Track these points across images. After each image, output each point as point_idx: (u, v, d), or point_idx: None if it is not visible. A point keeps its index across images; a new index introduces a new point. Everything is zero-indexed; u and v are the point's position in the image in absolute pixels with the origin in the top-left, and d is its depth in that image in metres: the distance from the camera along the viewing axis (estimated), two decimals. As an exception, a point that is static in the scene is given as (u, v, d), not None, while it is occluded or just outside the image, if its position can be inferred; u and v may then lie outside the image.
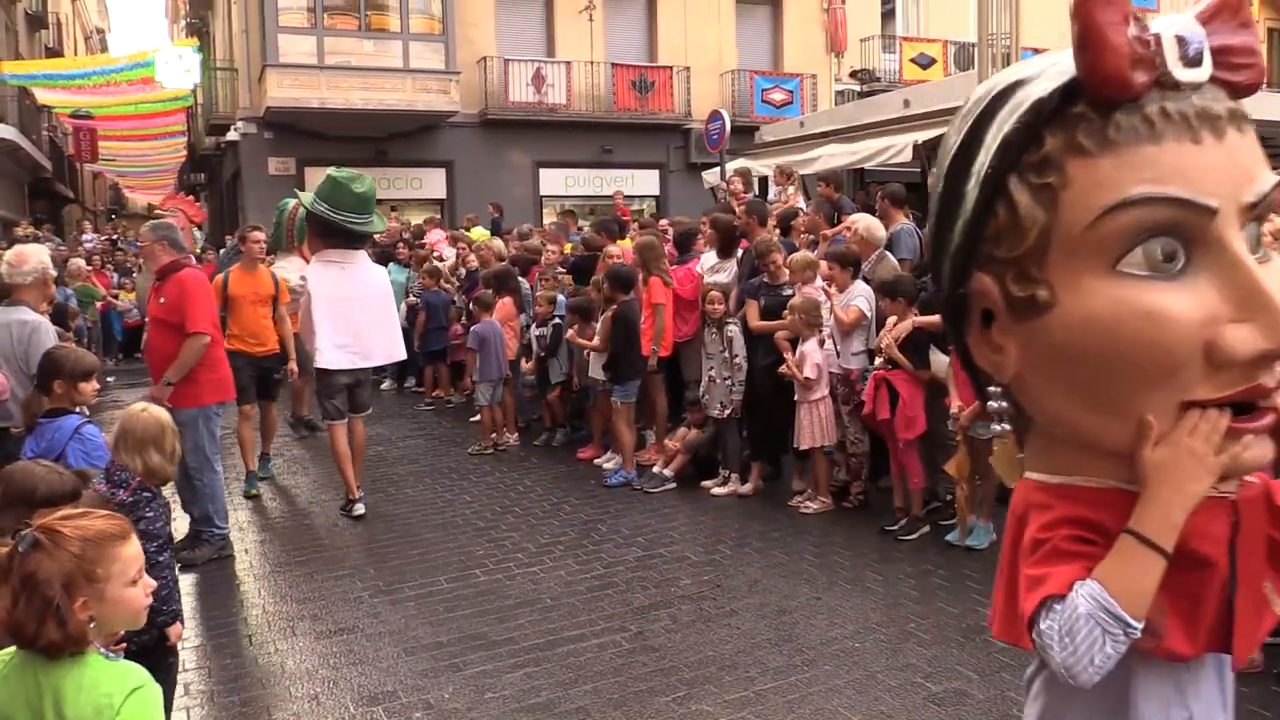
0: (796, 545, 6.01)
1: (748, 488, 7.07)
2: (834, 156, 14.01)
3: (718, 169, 17.13)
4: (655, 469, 7.43)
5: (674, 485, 7.32)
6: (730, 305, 7.28)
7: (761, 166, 14.27)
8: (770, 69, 23.82)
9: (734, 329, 7.03)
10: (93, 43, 40.66)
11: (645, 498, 7.14)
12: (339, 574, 5.81)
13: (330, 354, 6.73)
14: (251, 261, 7.71)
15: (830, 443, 6.58)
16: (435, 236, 13.54)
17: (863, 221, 6.85)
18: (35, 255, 4.95)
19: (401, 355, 7.55)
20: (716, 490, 7.12)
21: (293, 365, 8.03)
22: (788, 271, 6.82)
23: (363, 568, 5.90)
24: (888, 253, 6.90)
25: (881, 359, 5.96)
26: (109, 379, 13.66)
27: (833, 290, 6.48)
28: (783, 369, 6.60)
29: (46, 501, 2.73)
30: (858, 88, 24.55)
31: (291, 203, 9.16)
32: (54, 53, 26.75)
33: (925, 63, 25.06)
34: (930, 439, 6.19)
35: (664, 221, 10.97)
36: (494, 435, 8.80)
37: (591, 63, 21.40)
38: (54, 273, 5.02)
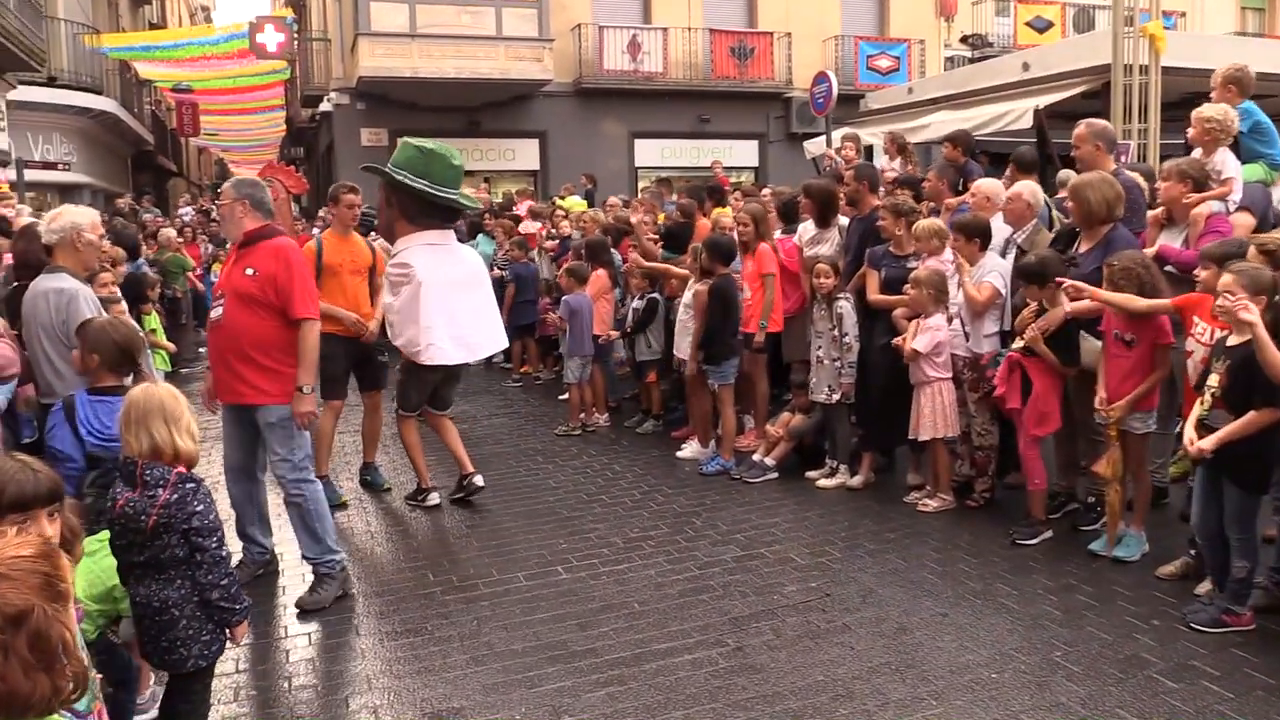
0: (915, 549, 5.34)
1: (857, 480, 6.40)
2: (946, 124, 13.15)
3: (821, 138, 16.32)
4: (755, 457, 6.81)
5: (775, 475, 6.69)
6: (836, 279, 6.59)
7: (868, 135, 13.46)
8: (876, 34, 22.79)
9: (845, 305, 6.35)
10: (197, 19, 41.36)
11: (744, 489, 6.54)
12: (410, 566, 5.36)
13: (446, 347, 5.96)
14: (344, 226, 6.51)
15: (953, 433, 5.87)
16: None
17: (1027, 187, 6.06)
18: (67, 215, 4.55)
19: (505, 343, 6.87)
20: (823, 482, 6.47)
21: (372, 327, 6.59)
22: (912, 240, 6.11)
23: (436, 559, 5.44)
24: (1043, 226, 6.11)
25: (1020, 344, 5.20)
26: (200, 349, 13.60)
27: (963, 264, 5.75)
28: (896, 340, 5.91)
29: (16, 505, 2.26)
30: (968, 54, 23.35)
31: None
32: (156, 28, 27.12)
33: (1042, 26, 23.67)
34: (1073, 433, 5.45)
35: (766, 191, 10.26)
36: (583, 415, 8.28)
37: (689, 29, 20.70)
38: (91, 237, 4.59)
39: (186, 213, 19.01)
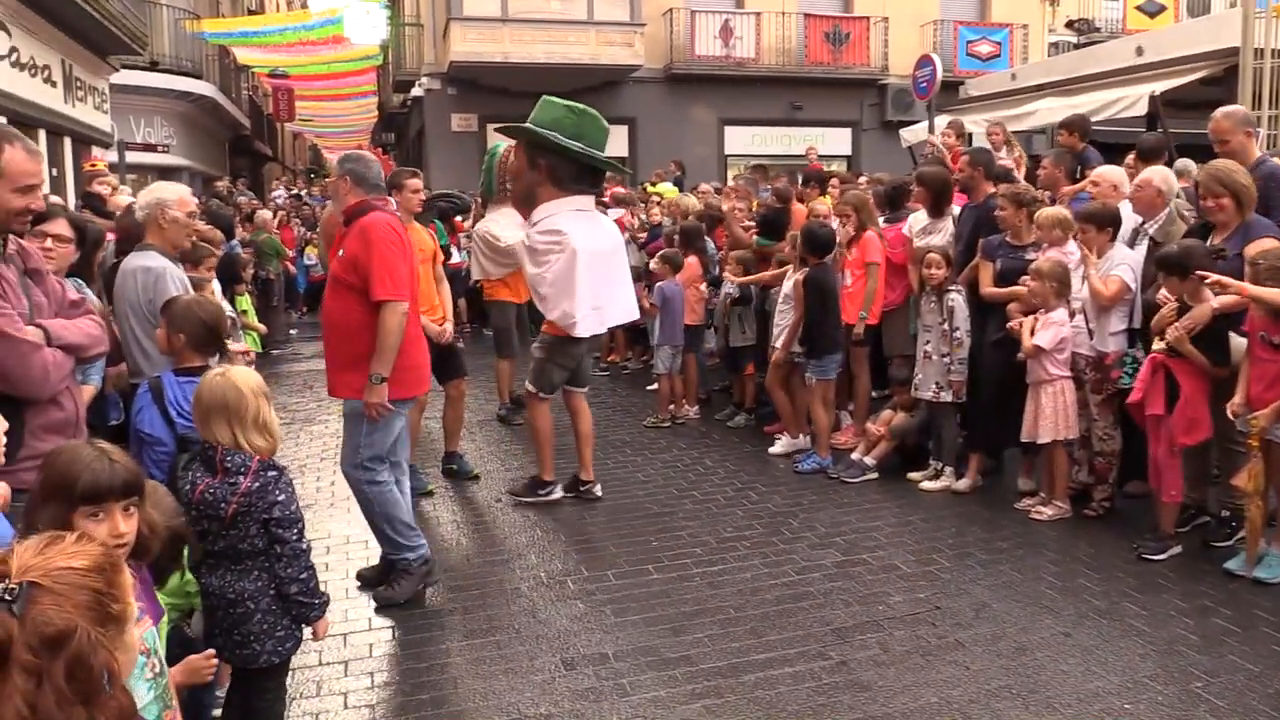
0: (1031, 561, 4.98)
1: (964, 484, 6.05)
2: (1052, 111, 12.64)
3: (919, 125, 15.80)
4: (854, 455, 6.50)
5: (875, 476, 6.37)
6: (948, 270, 6.22)
7: (969, 124, 12.95)
8: (977, 19, 22.05)
9: (956, 298, 5.99)
10: (294, 6, 42.06)
11: (842, 489, 6.23)
12: (496, 560, 5.19)
13: (589, 318, 5.74)
14: (408, 214, 6.07)
15: (1073, 436, 5.48)
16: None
17: (1158, 172, 5.63)
18: (154, 191, 4.47)
19: (637, 313, 6.56)
20: (926, 484, 6.14)
21: (448, 330, 6.45)
22: (1032, 229, 5.73)
23: (523, 553, 5.26)
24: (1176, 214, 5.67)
25: (1162, 345, 4.79)
26: (291, 331, 13.74)
27: (1089, 256, 5.35)
28: (1012, 324, 5.54)
29: (89, 496, 2.10)
30: (1074, 39, 22.41)
31: (504, 146, 7.39)
32: (254, 15, 27.59)
33: (1154, 10, 22.57)
34: (1205, 441, 5.03)
35: (863, 179, 9.89)
36: (672, 407, 8.05)
37: (782, 13, 20.27)
38: (176, 214, 4.47)
39: (279, 196, 19.28)
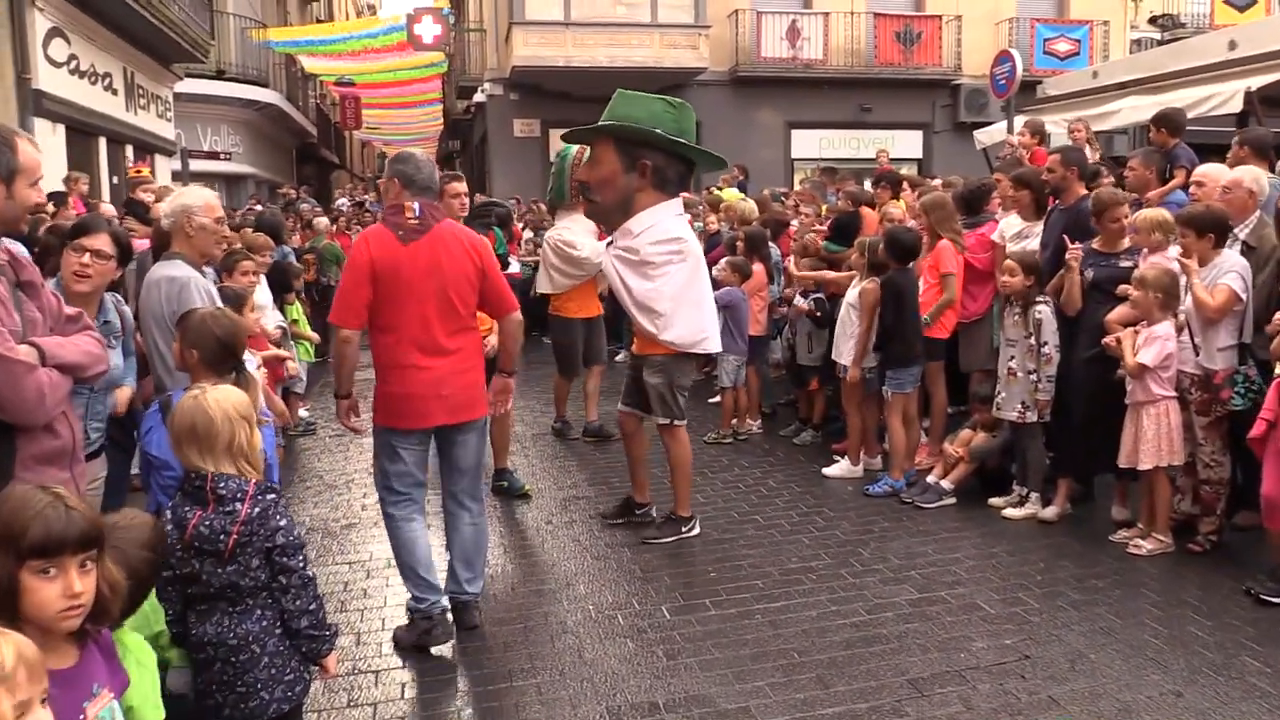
0: (1131, 603, 4.48)
1: (1051, 512, 5.55)
2: (1137, 110, 11.98)
3: (994, 127, 15.17)
4: (930, 479, 6.03)
5: (953, 501, 5.90)
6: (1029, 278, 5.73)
7: (1048, 123, 12.33)
8: (1054, 16, 21.27)
9: (1044, 310, 5.50)
10: (363, 16, 42.52)
11: (917, 515, 5.78)
12: (542, 589, 4.84)
13: (715, 333, 5.39)
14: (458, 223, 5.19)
15: (1177, 462, 4.97)
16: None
17: (1249, 173, 5.12)
18: (179, 198, 4.19)
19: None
20: (1010, 512, 5.65)
21: (490, 342, 5.38)
22: (1128, 234, 5.23)
23: (571, 582, 4.91)
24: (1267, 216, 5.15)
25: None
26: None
27: (1191, 264, 4.84)
28: (1108, 339, 5.05)
29: (39, 550, 1.80)
30: (1158, 35, 21.57)
31: (574, 150, 6.88)
32: (321, 24, 27.83)
33: (1243, 3, 21.58)
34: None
35: (937, 181, 9.39)
36: (734, 422, 7.64)
37: (851, 13, 19.75)
38: (203, 220, 4.22)
39: (342, 204, 19.28)
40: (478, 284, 4.17)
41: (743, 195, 11.93)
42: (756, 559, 5.15)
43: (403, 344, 4.08)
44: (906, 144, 20.70)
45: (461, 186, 5.71)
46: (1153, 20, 21.72)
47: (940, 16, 20.19)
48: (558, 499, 6.28)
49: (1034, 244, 6.07)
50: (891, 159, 17.57)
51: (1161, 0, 21.81)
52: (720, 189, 12.98)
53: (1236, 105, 10.60)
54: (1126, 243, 5.31)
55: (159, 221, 4.41)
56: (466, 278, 4.12)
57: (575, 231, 7.22)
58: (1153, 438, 4.90)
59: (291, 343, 7.97)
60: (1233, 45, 11.58)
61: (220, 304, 4.20)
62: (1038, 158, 8.37)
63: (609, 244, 5.36)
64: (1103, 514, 5.62)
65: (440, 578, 4.33)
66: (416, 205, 4.10)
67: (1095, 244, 5.44)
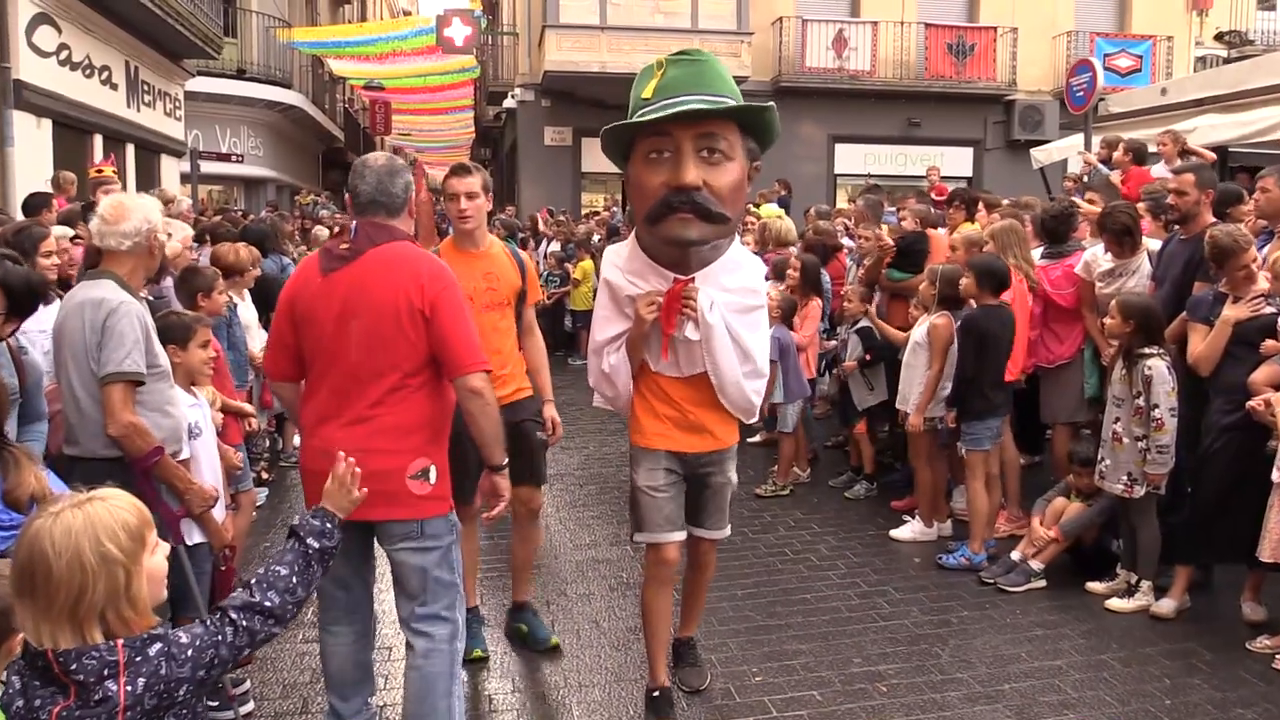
0: (1294, 743, 3.54)
1: (1167, 605, 4.59)
2: (1214, 129, 11.01)
3: (1051, 146, 14.19)
4: (1015, 555, 5.08)
5: (1043, 583, 4.96)
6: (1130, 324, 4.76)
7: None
8: (1115, 30, 20.20)
9: (1157, 365, 4.54)
10: (391, 20, 42.05)
11: (1001, 600, 4.83)
12: (547, 685, 3.94)
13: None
14: (467, 236, 3.98)
15: (1338, 561, 4.01)
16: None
17: None
18: (139, 212, 3.29)
19: None
20: (1116, 604, 4.69)
21: (552, 413, 4.24)
22: (1270, 277, 4.28)
23: (586, 684, 4.01)
24: None
25: None
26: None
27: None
28: (1254, 403, 4.11)
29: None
30: (1224, 53, 20.47)
31: None
32: (351, 25, 27.23)
33: (1317, 21, 20.51)
34: None
35: (1006, 202, 8.44)
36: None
37: (901, 23, 18.80)
38: (164, 238, 3.40)
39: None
40: (414, 332, 2.98)
41: (781, 213, 11.00)
42: (810, 657, 4.23)
43: (310, 404, 3.13)
44: (956, 161, 19.67)
45: (466, 183, 3.90)
46: (1219, 37, 20.62)
47: (995, 28, 19.20)
48: (573, 563, 5.39)
49: (1132, 283, 5.14)
50: (942, 177, 16.65)
51: (1229, 16, 20.70)
52: (758, 205, 12.05)
53: (1323, 123, 9.70)
54: (1265, 285, 4.35)
55: (92, 237, 3.57)
56: (393, 323, 2.97)
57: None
58: (1309, 527, 3.95)
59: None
60: (1314, 64, 10.65)
61: (154, 335, 3.38)
62: (1134, 180, 7.41)
63: (683, 288, 3.29)
64: (1229, 610, 4.65)
65: (359, 704, 3.23)
66: (354, 226, 3.11)
67: (1224, 286, 4.49)
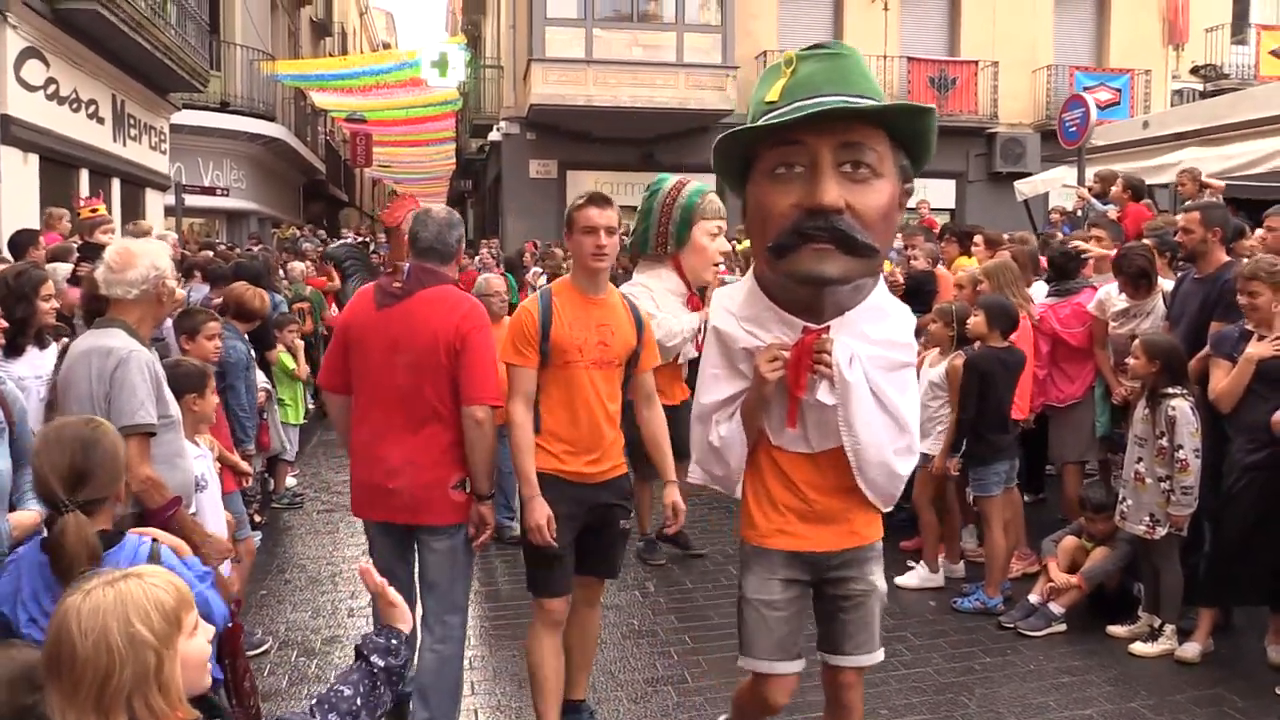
0: (1340, 798, 3.46)
1: (1192, 650, 4.51)
2: (1200, 162, 11.12)
3: (1036, 178, 14.31)
4: (1033, 599, 4.99)
5: (1064, 627, 4.88)
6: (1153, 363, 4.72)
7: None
8: (1093, 64, 20.48)
9: (1181, 405, 4.49)
10: (376, 53, 42.16)
11: (1022, 645, 4.73)
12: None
13: None
14: (592, 276, 3.58)
15: (1371, 605, 3.96)
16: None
17: None
18: (146, 259, 3.19)
19: None
20: (1140, 648, 4.61)
21: (675, 498, 3.71)
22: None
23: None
24: None
25: None
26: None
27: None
28: None
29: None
30: (1199, 86, 20.78)
31: (671, 181, 5.41)
32: (333, 58, 27.23)
33: (1290, 56, 20.81)
34: None
35: (1007, 237, 8.45)
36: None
37: (884, 57, 18.96)
38: (172, 284, 3.28)
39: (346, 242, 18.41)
40: (451, 364, 3.40)
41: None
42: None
43: (363, 422, 3.57)
44: (939, 193, 19.77)
45: (607, 215, 3.46)
46: (1194, 70, 20.92)
47: (976, 62, 19.41)
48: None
49: (1146, 324, 5.11)
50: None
51: (1204, 50, 21.01)
52: (739, 240, 11.95)
53: (1318, 158, 9.84)
54: (1290, 323, 4.33)
55: (96, 282, 3.44)
56: (435, 356, 3.40)
57: (656, 293, 5.35)
58: (1342, 572, 3.90)
59: (276, 406, 7.02)
60: (1305, 95, 10.82)
61: (165, 384, 3.26)
62: (1132, 216, 7.43)
63: (816, 339, 2.59)
64: (1252, 653, 4.58)
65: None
66: (408, 268, 3.57)
67: (1248, 324, 4.46)
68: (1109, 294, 5.43)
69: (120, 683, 1.58)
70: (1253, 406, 4.32)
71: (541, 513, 3.35)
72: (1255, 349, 4.33)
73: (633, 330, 3.56)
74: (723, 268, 9.29)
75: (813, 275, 2.37)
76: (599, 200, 3.47)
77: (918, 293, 6.34)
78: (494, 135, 20.03)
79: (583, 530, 3.52)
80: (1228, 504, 4.44)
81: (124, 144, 11.80)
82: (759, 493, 2.71)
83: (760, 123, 2.38)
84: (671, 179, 5.46)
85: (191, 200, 14.59)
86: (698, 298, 5.45)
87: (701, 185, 5.48)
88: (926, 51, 19.56)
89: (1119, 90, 19.80)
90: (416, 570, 3.61)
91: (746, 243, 8.71)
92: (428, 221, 3.55)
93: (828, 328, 2.54)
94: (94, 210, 6.80)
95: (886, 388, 2.60)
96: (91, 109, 10.60)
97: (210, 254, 9.84)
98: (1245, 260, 4.66)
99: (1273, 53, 20.71)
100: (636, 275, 5.62)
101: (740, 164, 2.55)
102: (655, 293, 5.35)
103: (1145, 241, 5.71)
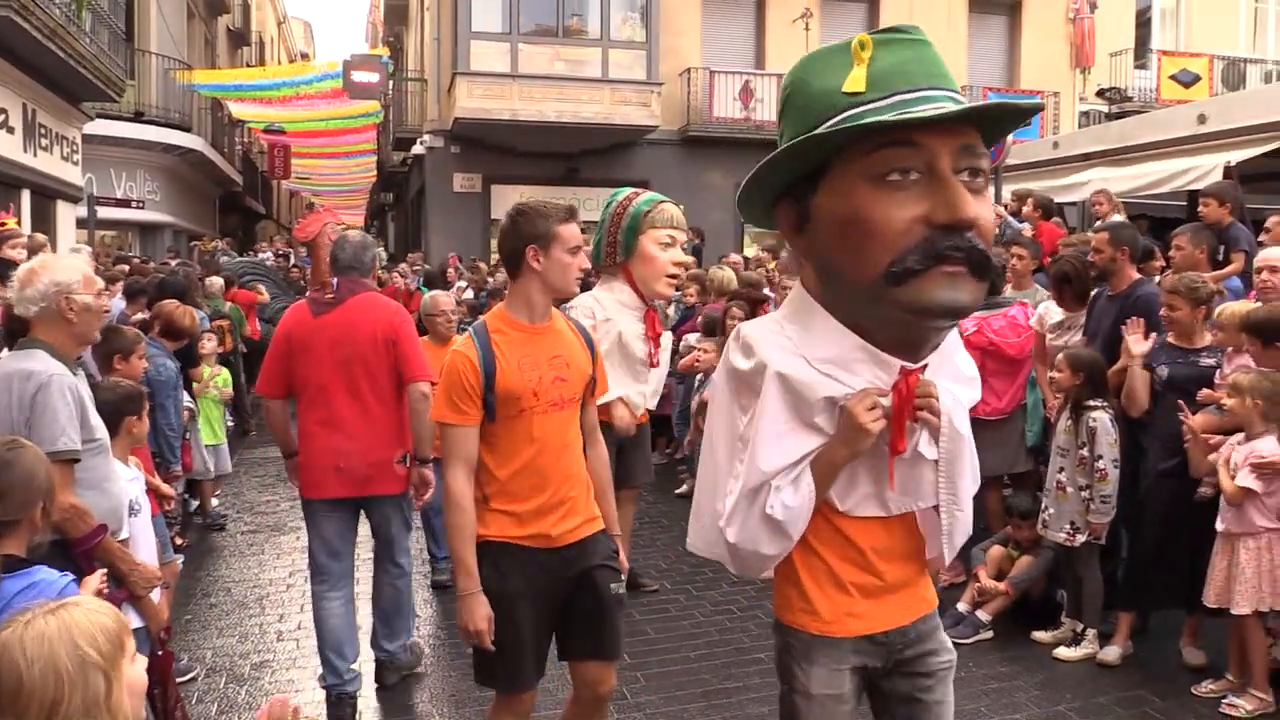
0: (1254, 793, 3.61)
1: (1113, 653, 4.67)
2: (1107, 182, 11.57)
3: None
4: (961, 607, 5.12)
5: (990, 634, 5.00)
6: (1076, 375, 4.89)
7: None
8: (1005, 85, 21.12)
9: (1101, 417, 4.65)
10: (296, 64, 41.49)
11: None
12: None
13: None
14: (546, 300, 3.09)
15: None
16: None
17: None
18: (46, 274, 3.07)
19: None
20: (1064, 652, 4.75)
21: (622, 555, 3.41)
22: (1208, 330, 4.45)
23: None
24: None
25: None
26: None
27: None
28: (1203, 490, 4.24)
29: None
30: (1105, 108, 21.54)
31: (626, 192, 5.24)
32: (252, 68, 26.71)
33: (1188, 80, 21.71)
34: None
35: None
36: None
37: (805, 76, 19.27)
38: (85, 299, 3.16)
39: (266, 258, 18.06)
40: (388, 355, 4.10)
41: (699, 261, 11.03)
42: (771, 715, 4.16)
43: (311, 415, 4.13)
44: (859, 210, 20.23)
45: (577, 234, 3.04)
46: (1100, 93, 21.69)
47: (893, 82, 19.86)
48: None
49: (1079, 337, 5.29)
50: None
51: (1109, 74, 21.81)
52: (771, 255, 11.93)
53: (1216, 177, 10.30)
54: (1208, 338, 4.53)
55: (9, 304, 3.33)
56: (374, 348, 4.08)
57: (607, 306, 5.01)
58: (1252, 576, 4.07)
59: (198, 425, 6.87)
60: (1203, 119, 11.32)
61: (92, 407, 3.17)
62: (1045, 234, 7.68)
63: (918, 382, 2.08)
64: (1169, 655, 4.75)
65: (354, 654, 4.23)
66: (335, 282, 4.26)
67: (1170, 337, 4.65)
68: (1047, 308, 5.60)
69: (69, 711, 1.54)
70: (1165, 417, 4.50)
71: (480, 613, 2.81)
72: (1135, 346, 4.52)
73: (586, 354, 3.10)
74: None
75: (946, 305, 1.88)
76: (574, 214, 3.05)
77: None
78: (417, 148, 19.85)
79: (563, 604, 2.97)
80: (1143, 511, 4.62)
81: (34, 154, 11.39)
82: (815, 571, 2.12)
83: (887, 116, 1.82)
84: (628, 190, 5.32)
85: (104, 212, 14.16)
86: (655, 312, 5.21)
87: (655, 195, 5.32)
88: (846, 71, 19.94)
89: (1030, 111, 20.45)
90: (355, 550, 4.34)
91: (727, 271, 8.41)
92: (345, 245, 4.26)
93: (924, 367, 2.04)
94: (2, 224, 6.55)
95: (968, 433, 2.17)
96: (1, 118, 10.22)
97: (126, 268, 9.57)
98: (1156, 278, 4.87)
99: (1173, 77, 21.60)
100: (595, 288, 5.35)
101: (808, 167, 1.97)
102: (605, 305, 4.98)
103: (1068, 252, 5.89)
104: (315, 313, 4.12)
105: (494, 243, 19.42)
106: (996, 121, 1.99)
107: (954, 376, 2.14)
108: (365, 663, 4.45)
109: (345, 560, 4.24)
